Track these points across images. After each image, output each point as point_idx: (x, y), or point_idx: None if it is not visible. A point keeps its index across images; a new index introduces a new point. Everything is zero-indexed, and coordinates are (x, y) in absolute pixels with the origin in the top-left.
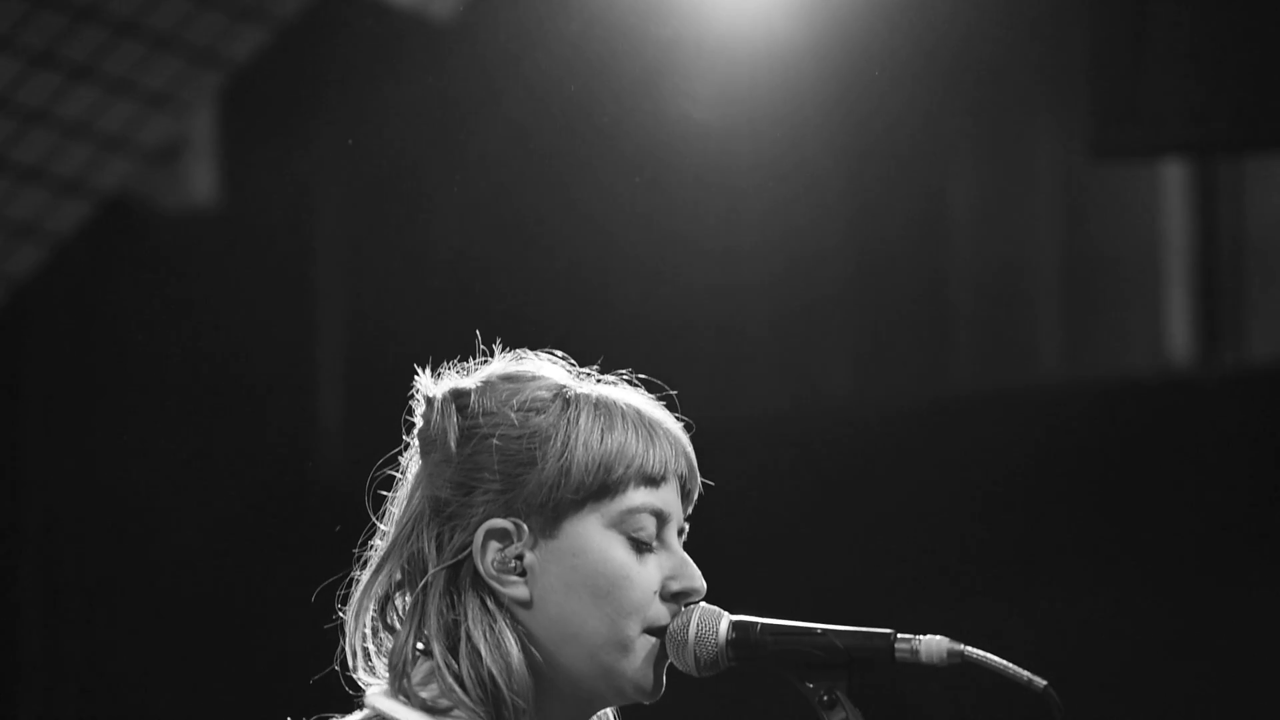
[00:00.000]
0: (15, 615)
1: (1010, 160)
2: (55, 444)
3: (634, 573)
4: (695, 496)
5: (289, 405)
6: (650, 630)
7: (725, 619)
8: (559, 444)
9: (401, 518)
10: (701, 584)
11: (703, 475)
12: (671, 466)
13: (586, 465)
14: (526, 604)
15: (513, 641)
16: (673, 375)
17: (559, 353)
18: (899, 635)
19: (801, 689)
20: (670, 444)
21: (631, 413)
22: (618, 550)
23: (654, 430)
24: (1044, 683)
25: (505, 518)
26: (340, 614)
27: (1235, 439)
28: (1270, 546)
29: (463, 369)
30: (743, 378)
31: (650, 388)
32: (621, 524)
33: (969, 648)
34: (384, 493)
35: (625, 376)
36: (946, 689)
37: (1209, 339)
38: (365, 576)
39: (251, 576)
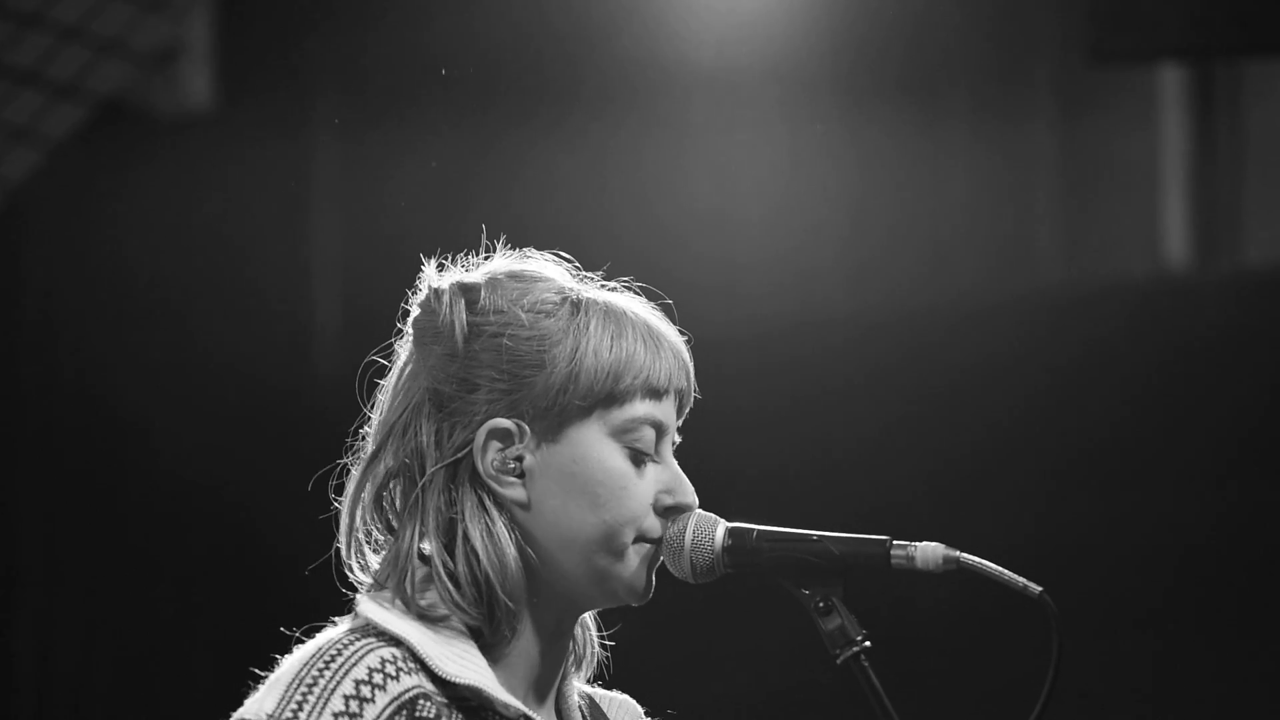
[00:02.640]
0: (14, 518)
1: (1009, 66)
2: (52, 349)
3: (631, 483)
4: (687, 410)
5: (286, 305)
6: (642, 539)
7: (721, 526)
8: (569, 349)
9: (397, 407)
10: (694, 499)
11: (700, 387)
12: (674, 380)
13: (596, 372)
14: (524, 505)
15: (509, 541)
16: (669, 287)
17: (564, 254)
18: (895, 542)
19: (797, 595)
20: (674, 356)
21: (640, 323)
22: (617, 459)
23: (659, 342)
24: (1039, 589)
25: (508, 418)
26: (336, 503)
27: (1231, 343)
28: (1265, 450)
29: (465, 264)
30: (739, 289)
31: (649, 296)
32: (623, 434)
33: (964, 554)
34: (380, 380)
35: (627, 284)
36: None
37: (1205, 244)
38: (359, 465)
39: (252, 475)
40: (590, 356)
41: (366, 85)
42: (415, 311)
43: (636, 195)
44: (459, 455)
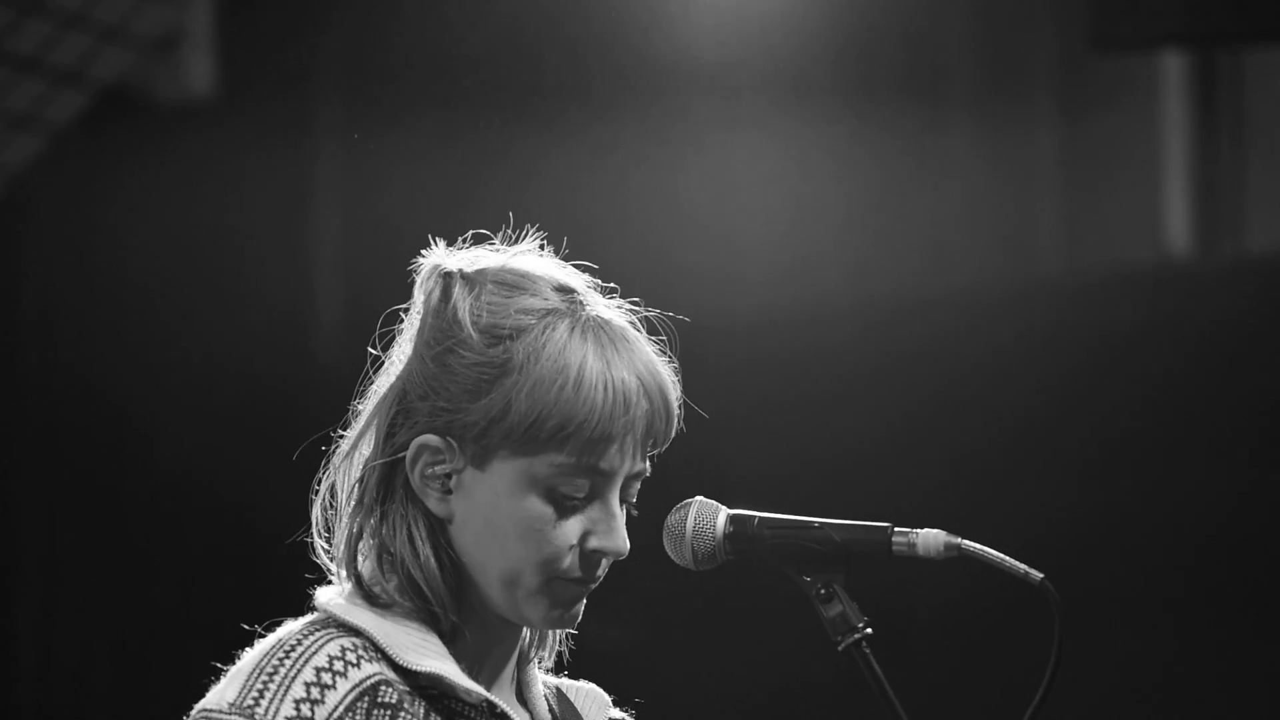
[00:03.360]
0: (15, 508)
1: (1010, 54)
2: (52, 338)
3: (548, 527)
4: (664, 445)
5: (287, 296)
6: (560, 579)
7: (723, 513)
8: (507, 385)
9: (380, 395)
10: (621, 546)
11: (703, 373)
12: (625, 426)
13: (525, 415)
14: (448, 520)
15: (428, 549)
16: (671, 275)
17: (581, 264)
18: (896, 529)
19: (798, 582)
20: (629, 404)
21: (596, 368)
22: (536, 503)
23: (613, 390)
24: (1040, 575)
25: (443, 436)
26: (316, 488)
27: (1234, 329)
28: (1267, 433)
29: (485, 244)
30: (740, 282)
31: (662, 313)
32: (549, 479)
33: (966, 541)
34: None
35: (634, 305)
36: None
37: (1208, 231)
38: (340, 450)
39: (251, 468)
40: (523, 400)
41: (369, 74)
42: (417, 290)
43: (638, 193)
44: (395, 457)
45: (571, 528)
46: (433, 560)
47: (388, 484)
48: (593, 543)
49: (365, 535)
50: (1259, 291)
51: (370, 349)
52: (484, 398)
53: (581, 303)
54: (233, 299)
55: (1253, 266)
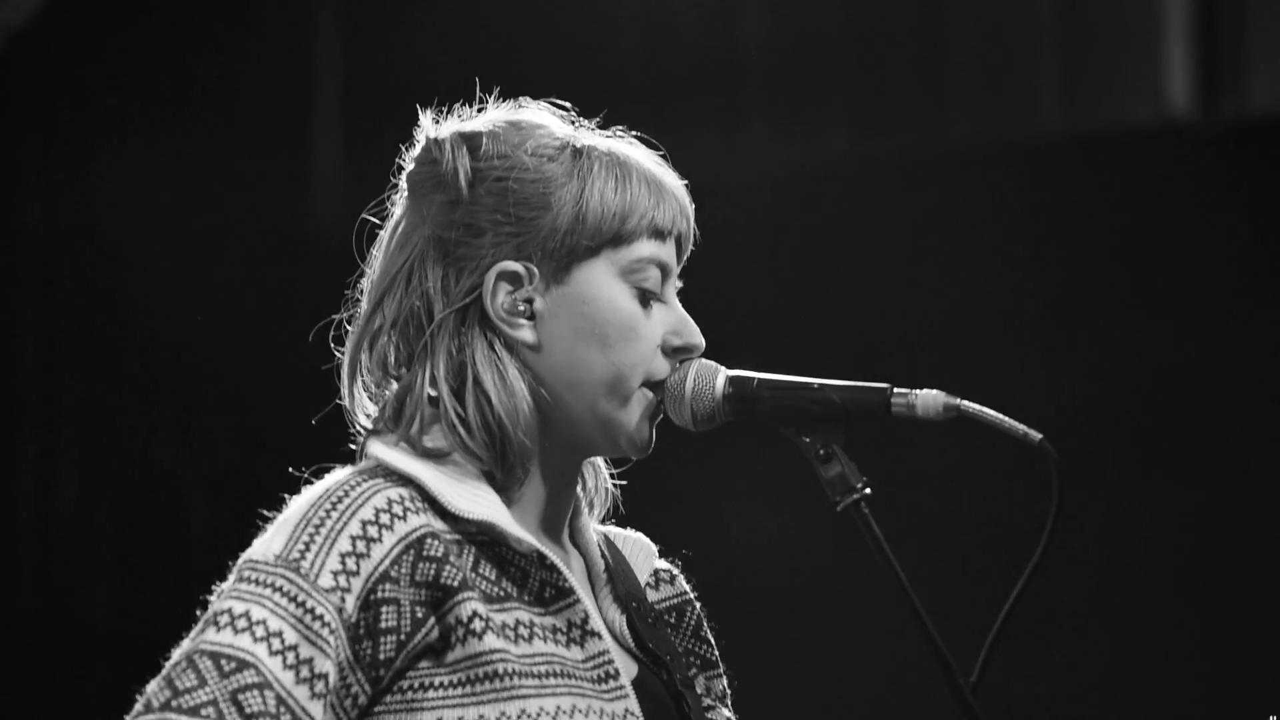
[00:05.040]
0: (15, 366)
1: None
2: (53, 191)
3: (640, 324)
4: (686, 254)
5: (286, 152)
6: (649, 384)
7: (722, 374)
8: (574, 190)
9: (396, 259)
10: (700, 340)
11: (700, 233)
12: (676, 223)
13: (602, 213)
14: (534, 348)
15: (520, 384)
16: (668, 132)
17: (560, 102)
18: (895, 390)
19: (798, 443)
20: (675, 199)
21: (641, 166)
22: (626, 300)
23: (661, 185)
24: (1039, 436)
25: (516, 261)
26: (338, 354)
27: (1234, 189)
28: (1265, 293)
29: (460, 115)
30: (738, 133)
31: (644, 145)
32: (630, 274)
33: (965, 402)
34: (381, 232)
35: (622, 133)
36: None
37: (1209, 88)
38: (361, 316)
39: (252, 326)
40: (596, 197)
41: None
42: (410, 166)
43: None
44: (468, 300)
45: (655, 327)
46: (527, 393)
47: (460, 333)
48: (675, 340)
49: (424, 389)
50: (1260, 150)
51: (369, 216)
52: (553, 208)
53: (590, 129)
54: (231, 152)
55: (1254, 125)
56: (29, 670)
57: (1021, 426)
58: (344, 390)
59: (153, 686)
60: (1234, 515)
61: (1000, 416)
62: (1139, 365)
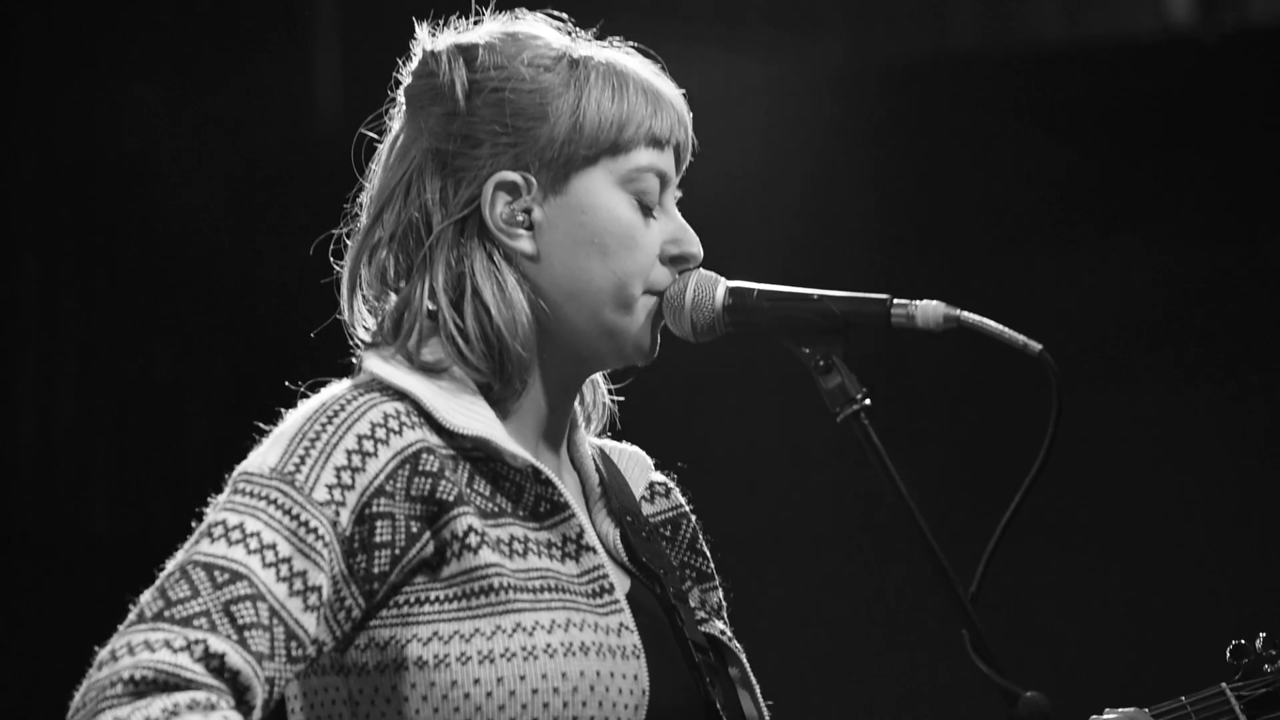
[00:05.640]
0: (14, 276)
1: None
2: (52, 100)
3: (639, 233)
4: (685, 165)
5: (286, 66)
6: (650, 292)
7: (722, 284)
8: (571, 100)
9: (395, 171)
10: (699, 249)
11: (698, 142)
12: (675, 132)
13: (600, 122)
14: (533, 258)
15: (519, 295)
16: (665, 40)
17: (557, 14)
18: (895, 300)
19: (798, 354)
20: (673, 108)
21: (638, 76)
22: (624, 209)
23: (659, 94)
24: (1039, 346)
25: (514, 170)
26: (337, 267)
27: (1234, 100)
28: (1263, 204)
29: (457, 28)
30: (736, 44)
31: (641, 55)
32: (628, 183)
33: (965, 312)
34: (380, 145)
35: (618, 44)
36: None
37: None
38: (359, 230)
39: (252, 240)
40: (593, 107)
41: None
42: (408, 79)
43: None
44: (466, 211)
45: (654, 236)
46: (525, 304)
47: (459, 245)
48: (673, 250)
49: (423, 302)
50: (1260, 61)
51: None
52: (551, 118)
53: (586, 39)
54: (230, 62)
55: (1254, 36)
56: (27, 578)
57: (1021, 337)
58: (343, 303)
59: (146, 597)
60: (1236, 424)
61: (1000, 327)
62: (1140, 276)
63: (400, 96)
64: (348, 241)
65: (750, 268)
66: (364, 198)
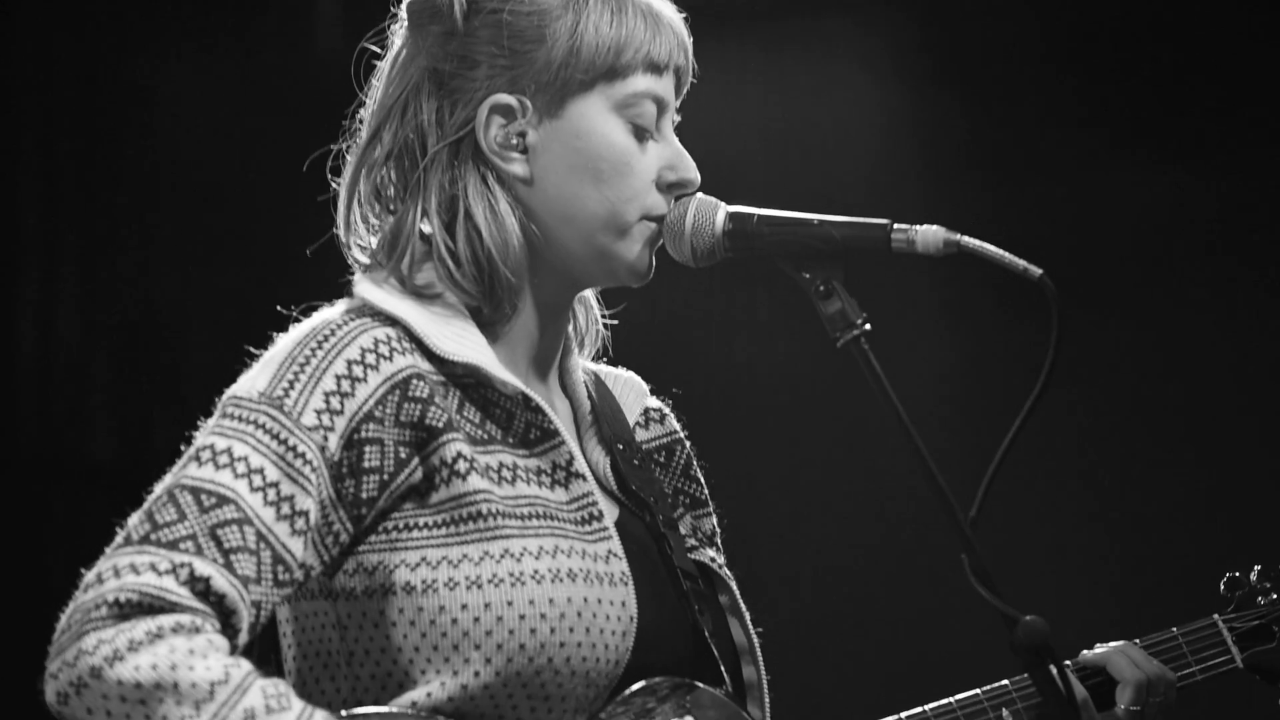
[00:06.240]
0: (13, 191)
1: None
2: (51, 22)
3: (634, 158)
4: (685, 89)
5: None
6: (647, 218)
7: (722, 209)
8: (569, 23)
9: (394, 90)
10: (696, 175)
11: (697, 65)
12: (674, 56)
13: (597, 46)
14: (527, 181)
15: (511, 217)
16: None
17: None
18: (895, 225)
19: (798, 280)
20: (673, 33)
21: (638, 0)
22: (620, 134)
23: (659, 18)
24: (1039, 271)
25: (510, 94)
26: (334, 184)
27: (1248, 19)
28: (1266, 120)
29: None
30: None
31: None
32: (625, 108)
33: (965, 236)
34: (378, 62)
35: None
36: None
37: None
38: (356, 148)
39: (250, 155)
40: (591, 31)
41: None
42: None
43: None
44: (461, 133)
45: (650, 161)
46: (517, 227)
47: (454, 167)
48: (670, 176)
49: (415, 224)
50: None
51: (370, 45)
52: (548, 41)
53: None
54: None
55: None
56: (28, 502)
57: (1021, 262)
58: (339, 220)
59: (133, 520)
60: (1236, 349)
61: (1000, 252)
62: (1147, 198)
63: (402, 12)
64: (347, 158)
65: (749, 193)
66: (363, 113)
